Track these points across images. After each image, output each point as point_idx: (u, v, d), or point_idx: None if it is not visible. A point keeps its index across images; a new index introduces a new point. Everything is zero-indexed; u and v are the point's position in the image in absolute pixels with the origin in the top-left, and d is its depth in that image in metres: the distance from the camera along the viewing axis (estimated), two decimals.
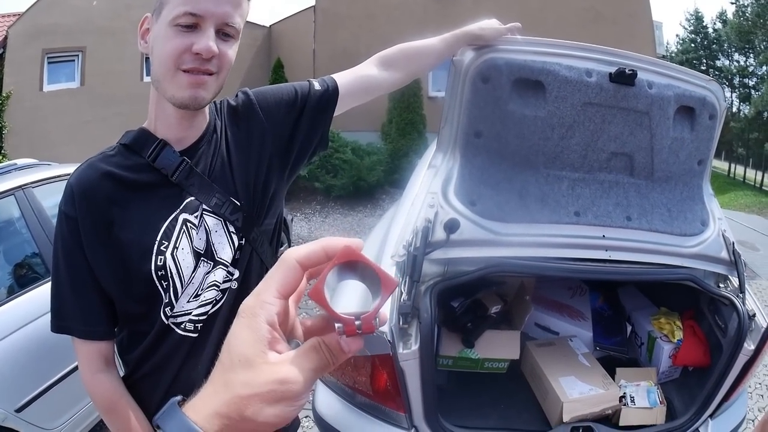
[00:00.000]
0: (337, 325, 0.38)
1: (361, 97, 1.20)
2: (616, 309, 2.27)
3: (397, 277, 1.43)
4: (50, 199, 2.59)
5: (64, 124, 10.47)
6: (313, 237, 7.23)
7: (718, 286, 1.85)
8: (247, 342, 0.38)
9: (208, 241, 0.96)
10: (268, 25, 16.01)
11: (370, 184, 9.05)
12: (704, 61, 23.25)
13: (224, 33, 0.90)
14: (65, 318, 0.95)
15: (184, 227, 0.94)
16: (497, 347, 1.77)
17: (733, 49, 22.34)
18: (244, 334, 0.38)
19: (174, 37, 0.86)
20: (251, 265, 1.02)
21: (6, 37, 9.99)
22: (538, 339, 2.02)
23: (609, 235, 1.73)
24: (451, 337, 1.72)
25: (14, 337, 2.13)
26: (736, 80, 22.56)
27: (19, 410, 2.05)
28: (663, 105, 1.67)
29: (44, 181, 2.62)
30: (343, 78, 1.17)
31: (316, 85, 1.12)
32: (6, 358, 2.09)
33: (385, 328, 1.35)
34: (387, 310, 1.36)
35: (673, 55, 23.90)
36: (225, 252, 0.97)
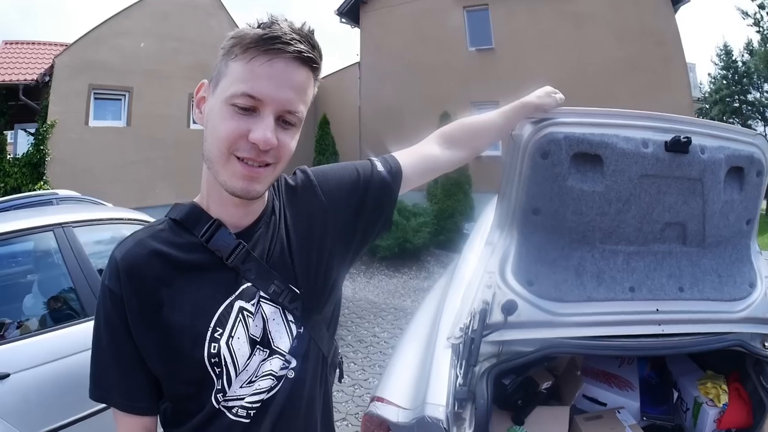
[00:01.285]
0: None
1: (424, 178, 1.15)
2: (664, 376, 2.21)
3: (452, 359, 1.40)
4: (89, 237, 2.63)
5: (109, 161, 10.70)
6: (358, 297, 7.09)
7: (764, 346, 1.83)
8: None
9: (265, 330, 0.90)
10: None
11: (415, 246, 8.85)
12: (736, 97, 22.90)
13: (285, 120, 0.82)
14: (107, 389, 0.89)
15: (240, 315, 0.88)
16: (546, 424, 1.71)
17: (762, 80, 22.03)
18: None
19: (229, 118, 0.79)
20: (309, 354, 0.96)
21: (52, 66, 10.28)
22: (586, 411, 1.95)
23: (662, 308, 1.71)
24: (500, 414, 1.66)
25: (45, 368, 2.19)
26: None
27: None
28: (715, 169, 1.64)
29: (86, 222, 2.66)
30: (405, 158, 1.11)
31: (379, 166, 1.06)
32: (34, 386, 2.14)
33: (440, 415, 1.31)
34: (442, 398, 1.33)
35: (706, 95, 23.62)
36: (282, 341, 0.91)
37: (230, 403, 0.88)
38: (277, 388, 0.91)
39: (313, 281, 0.95)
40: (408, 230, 8.64)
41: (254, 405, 0.89)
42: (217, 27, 12.69)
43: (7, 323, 2.34)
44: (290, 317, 0.92)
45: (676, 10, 10.49)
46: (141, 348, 0.87)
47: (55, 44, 12.02)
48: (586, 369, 2.07)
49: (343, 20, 13.91)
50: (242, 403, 0.89)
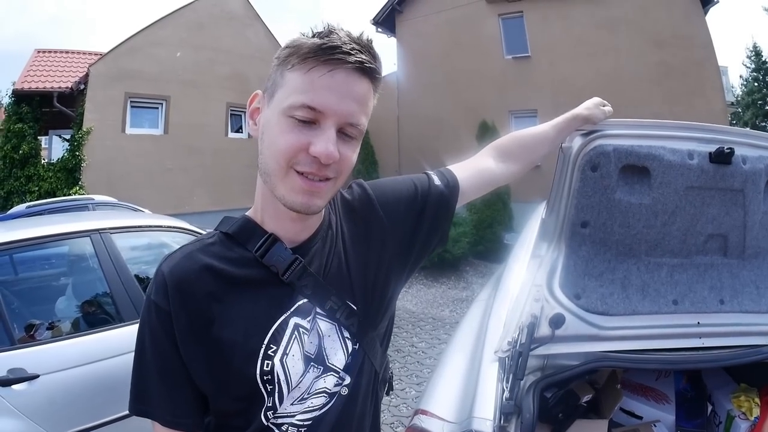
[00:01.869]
0: None
1: (480, 192, 1.13)
2: (699, 389, 2.18)
3: (499, 372, 1.38)
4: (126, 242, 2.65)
5: (145, 168, 10.87)
6: (396, 307, 7.02)
7: None
8: None
9: (320, 346, 0.86)
10: None
11: (455, 256, 8.74)
12: None
13: (346, 133, 0.79)
14: (149, 404, 0.85)
15: (295, 332, 0.85)
16: None
17: None
18: None
19: (289, 130, 0.76)
20: (363, 370, 0.93)
21: (87, 75, 10.48)
22: (622, 425, 1.94)
23: (703, 321, 1.70)
24: (541, 427, 1.64)
25: (76, 371, 2.21)
26: None
27: None
28: (756, 180, 1.63)
29: (123, 229, 2.69)
30: (462, 172, 1.09)
31: (436, 180, 1.03)
32: (63, 387, 2.17)
33: (487, 429, 1.29)
34: (489, 412, 1.31)
35: (739, 98, 23.31)
36: (337, 358, 0.88)
37: (280, 420, 0.85)
38: (330, 404, 0.88)
39: (370, 297, 0.93)
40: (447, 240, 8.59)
41: (305, 423, 0.86)
42: (253, 37, 12.89)
43: (36, 324, 2.36)
44: (346, 334, 0.89)
45: (706, 12, 10.33)
46: (188, 364, 0.83)
47: (88, 53, 12.26)
48: (624, 382, 2.06)
49: (379, 30, 13.88)
50: (293, 420, 0.86)
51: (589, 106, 1.33)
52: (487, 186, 1.15)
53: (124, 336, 2.33)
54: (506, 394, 1.33)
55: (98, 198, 7.60)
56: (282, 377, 0.83)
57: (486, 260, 9.17)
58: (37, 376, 2.11)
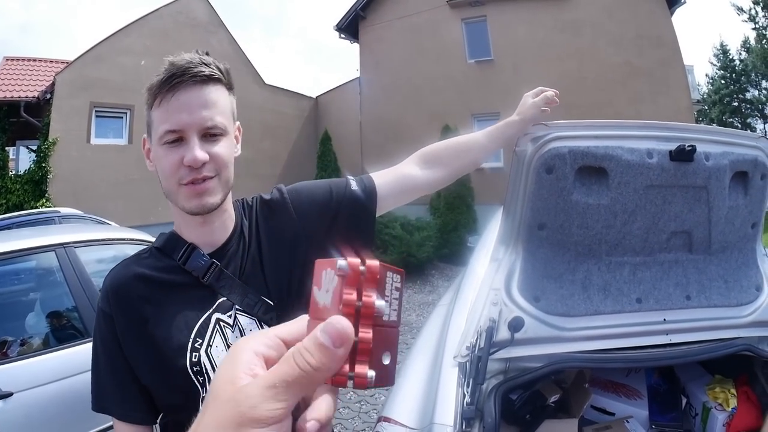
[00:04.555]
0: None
1: (402, 197, 1.15)
2: (672, 382, 2.19)
3: (459, 377, 1.39)
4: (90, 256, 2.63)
5: (111, 179, 10.70)
6: None
7: None
8: (223, 376, 0.33)
9: None
10: (314, 96, 16.38)
11: (419, 260, 8.82)
12: (735, 96, 22.89)
13: (211, 134, 0.91)
14: (105, 400, 0.98)
15: (217, 326, 0.96)
16: None
17: (760, 77, 22.02)
18: (222, 369, 0.34)
19: (166, 155, 0.90)
20: None
21: (53, 84, 10.27)
22: (595, 422, 1.94)
23: (669, 317, 1.70)
24: (508, 429, 1.65)
25: (48, 387, 2.19)
26: (767, 109, 22.14)
27: None
28: (719, 176, 1.64)
29: (88, 243, 2.66)
30: (382, 178, 1.13)
31: (353, 185, 1.10)
32: (38, 404, 2.15)
33: None
34: (450, 418, 1.31)
35: (705, 96, 23.60)
36: None
37: None
38: None
39: (286, 294, 1.01)
40: (411, 244, 8.62)
41: None
42: (217, 45, 12.78)
43: (9, 341, 2.33)
44: (265, 327, 0.98)
45: (672, 13, 10.48)
46: (131, 360, 0.95)
47: (57, 61, 11.96)
48: (594, 379, 2.06)
49: (342, 36, 13.91)
50: None
51: (521, 110, 1.33)
52: (409, 192, 1.17)
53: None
54: (467, 399, 1.34)
55: (64, 210, 7.44)
56: (209, 367, 0.94)
57: (451, 263, 9.21)
58: (11, 394, 2.09)
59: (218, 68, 0.91)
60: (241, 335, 0.96)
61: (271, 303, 0.99)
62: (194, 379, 0.94)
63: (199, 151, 0.88)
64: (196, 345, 0.94)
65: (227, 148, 0.94)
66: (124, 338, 0.95)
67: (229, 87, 0.96)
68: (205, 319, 0.96)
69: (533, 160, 1.42)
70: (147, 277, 0.97)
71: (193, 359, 0.93)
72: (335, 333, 0.31)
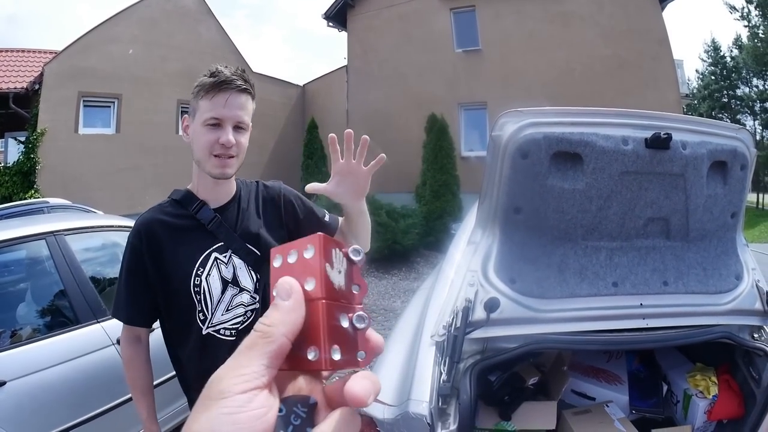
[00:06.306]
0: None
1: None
2: (653, 369, 2.22)
3: (436, 356, 1.42)
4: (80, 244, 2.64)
5: (99, 168, 10.68)
6: None
7: (753, 337, 1.84)
8: (227, 373, 0.32)
9: (234, 274, 1.33)
10: (301, 85, 16.36)
11: (405, 247, 8.86)
12: (725, 92, 23.00)
13: (239, 127, 1.28)
14: (118, 310, 1.37)
15: (215, 262, 1.32)
16: (534, 419, 1.72)
17: (751, 75, 22.10)
18: (230, 362, 0.32)
19: (206, 133, 1.25)
20: (267, 294, 1.15)
21: (42, 74, 10.23)
22: (575, 406, 1.97)
23: (646, 302, 1.73)
24: (487, 410, 1.68)
25: (41, 375, 2.20)
26: (758, 106, 22.23)
27: None
28: (697, 165, 1.66)
29: (77, 230, 2.67)
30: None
31: (327, 218, 1.47)
32: (30, 392, 2.16)
33: (424, 411, 1.33)
34: (426, 394, 1.34)
35: (695, 91, 23.69)
36: (247, 282, 1.35)
37: (217, 327, 1.32)
38: (252, 317, 1.35)
39: (264, 245, 1.36)
40: (397, 232, 8.66)
41: (235, 326, 1.33)
42: (204, 33, 12.74)
43: (0, 330, 2.35)
44: (251, 268, 1.35)
45: (663, 8, 10.48)
46: (152, 278, 1.31)
47: (45, 52, 11.90)
48: (575, 364, 2.09)
49: (331, 24, 13.82)
50: (225, 325, 1.33)
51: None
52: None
53: (84, 337, 2.34)
54: (444, 376, 1.37)
55: (53, 201, 7.43)
56: (206, 290, 1.30)
57: (436, 251, 9.18)
58: (4, 383, 2.11)
59: (250, 84, 1.29)
60: (234, 270, 1.33)
61: (258, 253, 1.35)
62: (194, 296, 1.29)
63: (231, 137, 1.25)
64: (198, 272, 1.30)
65: (246, 140, 1.31)
66: (149, 263, 1.31)
67: (254, 97, 1.32)
68: (207, 254, 1.31)
69: (509, 145, 1.46)
70: (167, 222, 1.33)
71: (196, 282, 1.29)
72: (281, 287, 0.34)
